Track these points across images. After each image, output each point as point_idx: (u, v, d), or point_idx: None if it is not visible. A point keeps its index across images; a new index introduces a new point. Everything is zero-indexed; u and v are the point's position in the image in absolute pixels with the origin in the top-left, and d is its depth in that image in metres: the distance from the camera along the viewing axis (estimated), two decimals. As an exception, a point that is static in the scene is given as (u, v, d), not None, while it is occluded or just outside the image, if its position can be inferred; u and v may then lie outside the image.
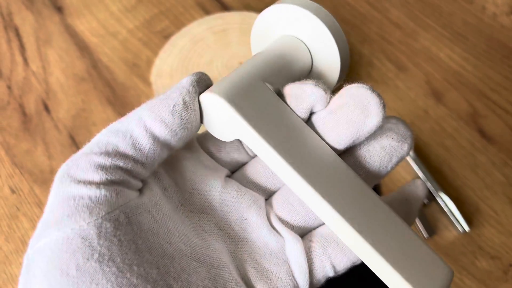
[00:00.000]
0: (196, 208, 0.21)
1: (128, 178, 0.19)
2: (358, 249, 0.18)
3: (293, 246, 0.21)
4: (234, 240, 0.21)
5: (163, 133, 0.19)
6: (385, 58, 0.52)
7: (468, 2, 0.56)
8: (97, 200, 0.18)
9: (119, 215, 0.18)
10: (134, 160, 0.19)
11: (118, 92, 0.50)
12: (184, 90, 0.19)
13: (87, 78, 0.51)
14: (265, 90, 0.20)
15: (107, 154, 0.18)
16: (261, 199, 0.22)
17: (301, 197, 0.19)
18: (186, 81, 0.20)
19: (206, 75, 0.21)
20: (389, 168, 0.21)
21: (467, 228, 0.42)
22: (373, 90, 0.19)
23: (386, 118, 0.21)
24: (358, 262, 0.21)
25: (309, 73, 0.23)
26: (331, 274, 0.21)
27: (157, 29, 0.54)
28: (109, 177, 0.18)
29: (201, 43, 0.48)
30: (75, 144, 0.46)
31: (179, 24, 0.54)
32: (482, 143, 0.47)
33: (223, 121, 0.20)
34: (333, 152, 0.20)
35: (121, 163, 0.18)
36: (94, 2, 0.56)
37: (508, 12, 0.55)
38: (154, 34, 0.54)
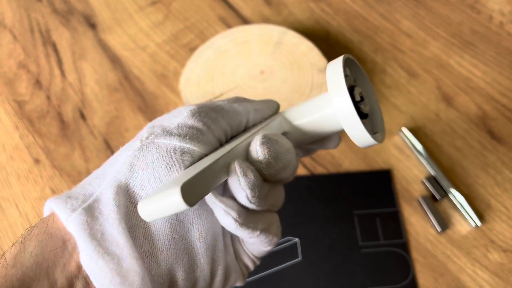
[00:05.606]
0: None
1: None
2: None
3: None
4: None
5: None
6: (397, 65, 0.55)
7: (476, 12, 0.59)
8: (208, 142, 0.24)
9: None
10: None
11: (148, 101, 0.54)
12: None
13: (119, 88, 0.55)
14: None
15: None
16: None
17: None
18: None
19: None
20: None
21: (479, 223, 0.44)
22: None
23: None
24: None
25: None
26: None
27: (183, 42, 0.58)
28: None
29: (225, 54, 0.51)
30: (110, 148, 0.50)
31: (203, 37, 0.58)
32: (492, 144, 0.49)
33: None
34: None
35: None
36: (125, 19, 0.61)
37: (515, 21, 0.58)
38: (180, 47, 0.58)
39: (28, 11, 0.62)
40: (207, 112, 0.25)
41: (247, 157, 0.24)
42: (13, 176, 0.49)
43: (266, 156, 0.23)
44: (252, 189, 0.22)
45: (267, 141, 0.24)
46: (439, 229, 0.44)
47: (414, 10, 0.60)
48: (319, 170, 0.48)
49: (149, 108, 0.53)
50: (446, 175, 0.47)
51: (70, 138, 0.52)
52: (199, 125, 0.24)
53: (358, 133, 0.25)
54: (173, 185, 0.19)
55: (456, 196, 0.45)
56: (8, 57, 0.58)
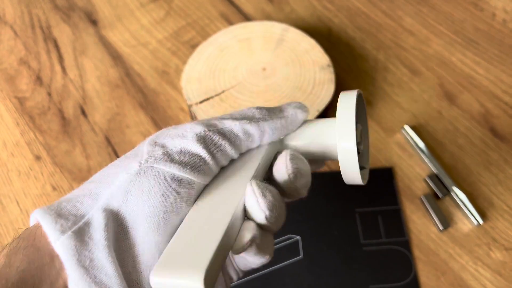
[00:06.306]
0: None
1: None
2: None
3: None
4: None
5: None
6: (399, 63, 0.55)
7: (479, 10, 0.59)
8: (210, 172, 0.24)
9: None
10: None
11: (149, 98, 0.53)
12: None
13: (120, 85, 0.55)
14: None
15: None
16: None
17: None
18: None
19: None
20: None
21: (481, 221, 0.44)
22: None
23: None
24: None
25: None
26: None
27: (185, 39, 0.58)
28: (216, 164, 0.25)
29: (227, 51, 0.51)
30: (111, 145, 0.50)
31: (205, 34, 0.58)
32: (494, 142, 0.49)
33: None
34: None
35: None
36: (126, 16, 0.61)
37: (518, 18, 0.57)
38: (182, 44, 0.58)
39: (29, 7, 0.62)
40: (213, 137, 0.24)
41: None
42: (13, 173, 0.49)
43: (295, 170, 0.25)
44: (271, 209, 0.23)
45: (295, 157, 0.26)
46: (441, 227, 0.44)
47: (416, 7, 0.60)
48: (321, 167, 0.48)
49: (150, 105, 0.53)
50: (448, 173, 0.47)
51: (71, 134, 0.51)
52: (202, 153, 0.24)
53: (352, 175, 0.26)
54: (193, 269, 0.19)
55: (459, 194, 0.45)
56: (9, 54, 0.58)
